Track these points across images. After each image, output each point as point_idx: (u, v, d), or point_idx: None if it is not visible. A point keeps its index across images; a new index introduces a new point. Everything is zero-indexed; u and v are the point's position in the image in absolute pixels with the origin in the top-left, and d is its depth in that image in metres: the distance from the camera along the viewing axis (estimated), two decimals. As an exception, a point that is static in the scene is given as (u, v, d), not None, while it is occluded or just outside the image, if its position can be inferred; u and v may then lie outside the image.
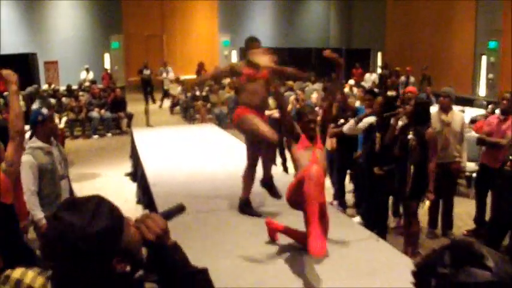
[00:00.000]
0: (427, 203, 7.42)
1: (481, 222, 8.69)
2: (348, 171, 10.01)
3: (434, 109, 9.31)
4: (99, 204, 1.93)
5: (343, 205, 9.66)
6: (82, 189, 9.64)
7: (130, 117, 18.83)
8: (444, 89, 8.98)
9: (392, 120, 7.70)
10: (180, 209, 2.48)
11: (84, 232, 1.82)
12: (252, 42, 7.12)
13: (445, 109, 8.53)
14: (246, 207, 6.67)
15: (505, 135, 8.23)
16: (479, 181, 8.91)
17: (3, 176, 4.55)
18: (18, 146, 4.67)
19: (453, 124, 8.41)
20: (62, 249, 1.83)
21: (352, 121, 8.60)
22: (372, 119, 8.20)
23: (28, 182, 5.82)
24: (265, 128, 6.29)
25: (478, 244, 1.52)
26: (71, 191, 6.46)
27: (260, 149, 6.62)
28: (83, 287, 1.89)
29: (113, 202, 2.00)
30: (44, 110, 6.12)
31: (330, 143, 9.41)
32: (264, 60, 6.91)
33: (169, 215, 2.42)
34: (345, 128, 8.73)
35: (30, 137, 6.05)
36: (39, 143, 5.95)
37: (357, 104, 11.12)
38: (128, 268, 1.99)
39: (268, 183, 6.71)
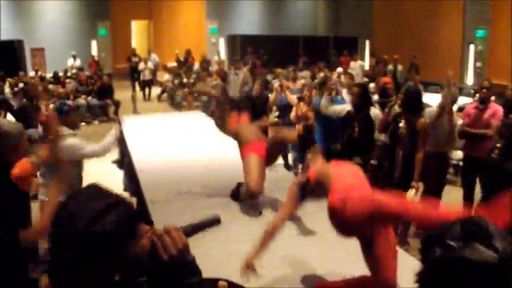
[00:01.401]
0: (413, 191, 7.41)
1: None
2: None
3: (429, 101, 9.39)
4: (115, 204, 1.87)
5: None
6: (68, 176, 9.59)
7: (117, 104, 18.74)
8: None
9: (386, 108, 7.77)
10: (213, 222, 2.33)
11: (86, 227, 1.75)
12: None
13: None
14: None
15: (489, 124, 8.23)
16: (465, 172, 8.92)
17: (31, 165, 4.43)
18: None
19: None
20: (59, 235, 1.78)
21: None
22: (348, 108, 8.20)
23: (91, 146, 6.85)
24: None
25: (491, 224, 1.51)
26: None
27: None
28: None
29: (131, 203, 1.92)
30: (70, 102, 6.73)
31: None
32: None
33: (197, 228, 2.28)
34: (322, 101, 8.76)
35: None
36: (70, 130, 6.70)
37: (344, 92, 11.09)
38: (117, 277, 1.86)
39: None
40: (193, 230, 2.17)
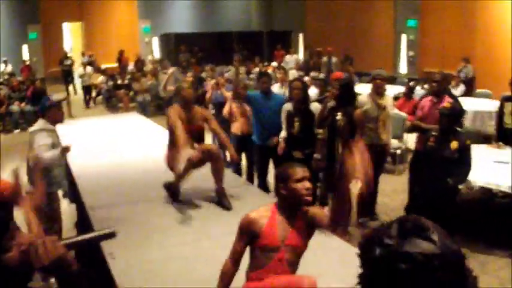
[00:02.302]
0: (359, 183, 7.47)
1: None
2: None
3: (364, 91, 9.38)
4: None
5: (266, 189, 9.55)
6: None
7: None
8: (377, 71, 8.81)
9: (321, 105, 7.82)
10: (107, 236, 2.37)
11: None
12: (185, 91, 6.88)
13: (381, 93, 8.47)
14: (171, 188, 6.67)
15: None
16: (414, 166, 8.55)
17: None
18: None
19: (388, 107, 8.45)
20: None
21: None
22: (289, 106, 8.20)
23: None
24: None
25: (425, 219, 1.54)
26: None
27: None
28: None
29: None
30: (54, 96, 7.00)
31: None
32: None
33: (85, 241, 2.37)
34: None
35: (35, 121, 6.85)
36: (50, 126, 6.73)
37: (277, 86, 11.10)
38: None
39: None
40: (78, 242, 2.22)
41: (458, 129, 7.52)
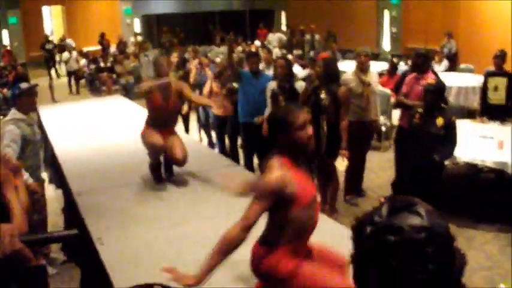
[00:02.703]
0: (343, 160, 7.51)
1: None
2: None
3: (348, 68, 9.37)
4: None
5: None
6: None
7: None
8: (362, 49, 8.77)
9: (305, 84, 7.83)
10: (68, 238, 2.42)
11: None
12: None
13: (365, 69, 8.43)
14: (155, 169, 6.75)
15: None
16: (399, 144, 8.47)
17: None
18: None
19: (372, 84, 8.42)
20: None
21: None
22: (273, 84, 8.17)
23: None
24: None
25: (414, 197, 1.57)
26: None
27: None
28: None
29: None
30: (23, 85, 6.49)
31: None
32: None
33: (46, 240, 2.40)
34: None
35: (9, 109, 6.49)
36: (21, 115, 6.30)
37: (261, 65, 11.06)
38: None
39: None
40: (39, 240, 2.27)
41: (443, 105, 7.53)
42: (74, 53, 21.68)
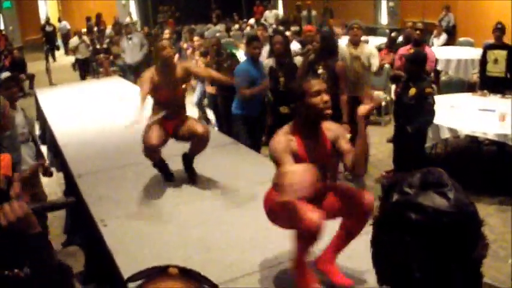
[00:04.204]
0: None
1: None
2: None
3: (343, 42, 9.30)
4: None
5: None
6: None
7: (31, 78, 18.21)
8: (355, 21, 8.61)
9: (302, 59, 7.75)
10: (66, 205, 2.46)
11: None
12: (163, 51, 5.92)
13: (356, 42, 8.32)
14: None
15: None
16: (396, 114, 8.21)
17: None
18: None
19: (362, 57, 8.32)
20: None
21: None
22: (271, 62, 8.08)
23: None
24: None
25: (448, 176, 1.54)
26: (39, 155, 6.45)
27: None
28: None
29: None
30: (2, 75, 6.12)
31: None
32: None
33: (49, 207, 2.45)
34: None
35: None
36: None
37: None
38: None
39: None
40: (42, 208, 2.33)
41: (425, 76, 7.52)
42: (85, 38, 20.11)
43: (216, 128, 10.08)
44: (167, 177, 6.11)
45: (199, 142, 5.89)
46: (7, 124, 4.46)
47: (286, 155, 3.57)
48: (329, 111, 3.75)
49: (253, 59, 7.99)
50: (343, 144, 3.86)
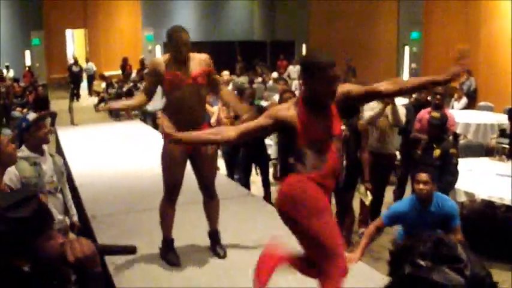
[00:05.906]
0: (369, 194, 7.47)
1: None
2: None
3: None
4: (30, 198, 2.05)
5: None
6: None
7: (54, 116, 18.40)
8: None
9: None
10: (127, 251, 2.49)
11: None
12: (177, 33, 5.55)
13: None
14: (166, 249, 5.49)
15: None
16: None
17: None
18: None
19: (390, 116, 8.35)
20: None
21: None
22: None
23: None
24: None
25: (463, 248, 1.51)
26: (66, 207, 5.71)
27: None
28: None
29: (50, 208, 2.13)
30: (30, 116, 5.42)
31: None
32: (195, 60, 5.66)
33: (111, 250, 2.52)
34: None
35: (19, 146, 5.18)
36: (26, 153, 5.20)
37: (276, 97, 10.97)
38: (27, 267, 2.09)
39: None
40: (106, 250, 2.38)
41: (444, 136, 7.55)
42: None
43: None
44: (171, 258, 5.41)
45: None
46: (6, 160, 4.32)
47: (265, 119, 3.72)
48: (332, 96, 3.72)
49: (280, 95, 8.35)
50: (356, 90, 3.91)
